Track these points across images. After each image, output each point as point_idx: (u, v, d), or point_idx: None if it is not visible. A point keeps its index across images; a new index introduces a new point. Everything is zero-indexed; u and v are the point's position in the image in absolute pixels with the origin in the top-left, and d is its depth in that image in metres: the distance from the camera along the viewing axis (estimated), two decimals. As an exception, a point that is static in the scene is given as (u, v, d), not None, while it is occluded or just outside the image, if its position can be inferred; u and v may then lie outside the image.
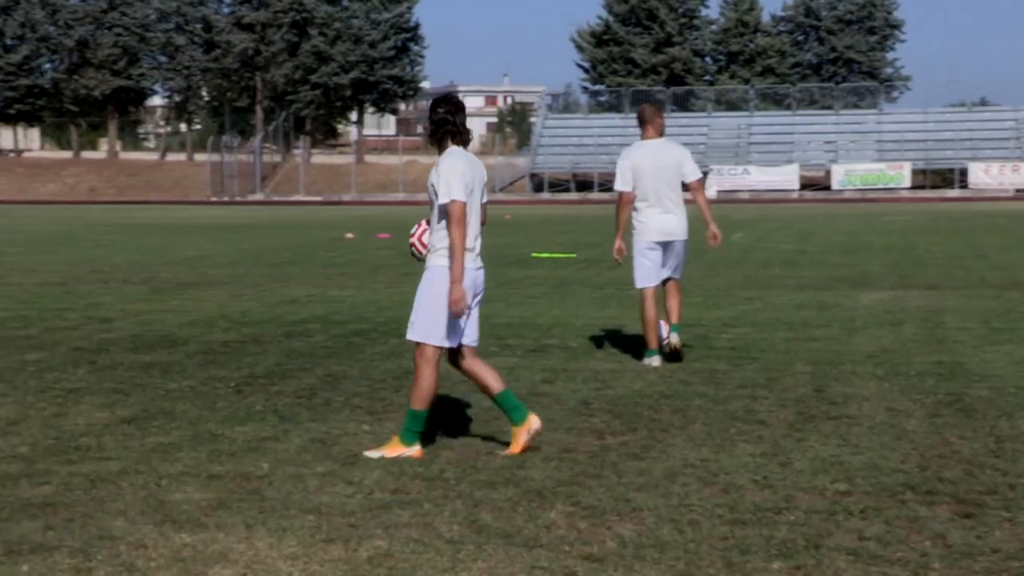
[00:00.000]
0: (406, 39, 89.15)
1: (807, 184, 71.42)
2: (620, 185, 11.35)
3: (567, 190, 74.12)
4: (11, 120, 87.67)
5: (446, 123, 7.64)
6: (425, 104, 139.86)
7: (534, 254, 25.54)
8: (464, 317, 7.62)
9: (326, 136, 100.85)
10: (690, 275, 20.02)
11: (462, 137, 7.69)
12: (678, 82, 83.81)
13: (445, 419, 8.68)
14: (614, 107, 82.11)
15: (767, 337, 12.85)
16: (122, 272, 21.56)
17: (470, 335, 7.75)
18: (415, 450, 7.56)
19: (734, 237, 29.73)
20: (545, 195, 73.44)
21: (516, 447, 7.66)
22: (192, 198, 76.62)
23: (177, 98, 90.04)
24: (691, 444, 7.89)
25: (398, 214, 52.65)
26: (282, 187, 79.73)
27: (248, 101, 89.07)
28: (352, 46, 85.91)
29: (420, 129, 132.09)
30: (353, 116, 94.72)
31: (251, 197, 76.66)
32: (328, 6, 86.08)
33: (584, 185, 73.76)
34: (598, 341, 12.66)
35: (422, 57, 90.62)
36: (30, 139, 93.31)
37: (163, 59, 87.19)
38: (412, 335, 7.69)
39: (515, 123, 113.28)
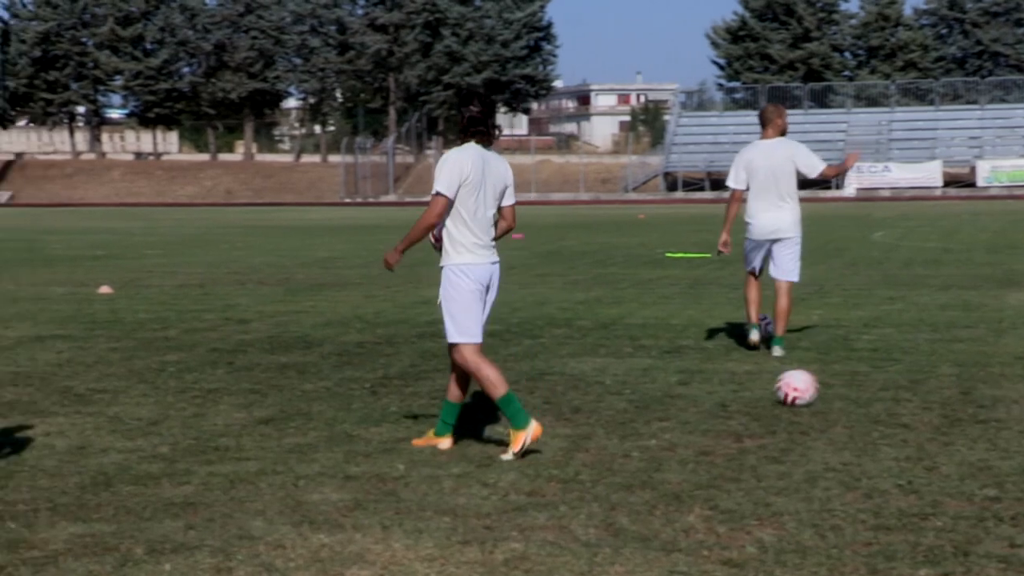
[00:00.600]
0: (538, 38, 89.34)
1: (951, 181, 69.97)
2: (732, 182, 12.05)
3: (701, 189, 73.59)
4: (150, 123, 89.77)
5: (477, 122, 7.88)
6: (558, 103, 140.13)
7: (668, 254, 25.40)
8: (481, 311, 7.81)
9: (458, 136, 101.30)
10: (828, 274, 19.75)
11: (488, 137, 7.91)
12: (816, 78, 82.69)
13: (577, 422, 8.67)
14: (749, 104, 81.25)
15: (910, 338, 12.61)
16: (258, 273, 21.94)
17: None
18: (533, 428, 7.58)
19: (874, 236, 29.23)
20: (679, 194, 73.04)
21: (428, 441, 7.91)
22: (326, 199, 77.70)
23: (311, 100, 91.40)
24: (832, 448, 7.77)
25: (530, 214, 52.69)
26: (415, 188, 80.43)
27: (381, 102, 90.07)
28: (484, 46, 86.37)
29: (552, 128, 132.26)
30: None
31: (384, 198, 77.50)
32: (461, 6, 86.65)
33: (719, 184, 73.12)
34: (734, 342, 12.54)
35: (554, 56, 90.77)
36: (168, 142, 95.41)
37: (298, 61, 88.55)
38: (450, 339, 7.85)
39: (648, 121, 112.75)
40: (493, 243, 7.92)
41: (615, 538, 5.94)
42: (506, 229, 8.14)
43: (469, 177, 7.75)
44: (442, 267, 7.89)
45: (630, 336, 13.06)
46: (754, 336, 11.87)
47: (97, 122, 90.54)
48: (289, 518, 6.29)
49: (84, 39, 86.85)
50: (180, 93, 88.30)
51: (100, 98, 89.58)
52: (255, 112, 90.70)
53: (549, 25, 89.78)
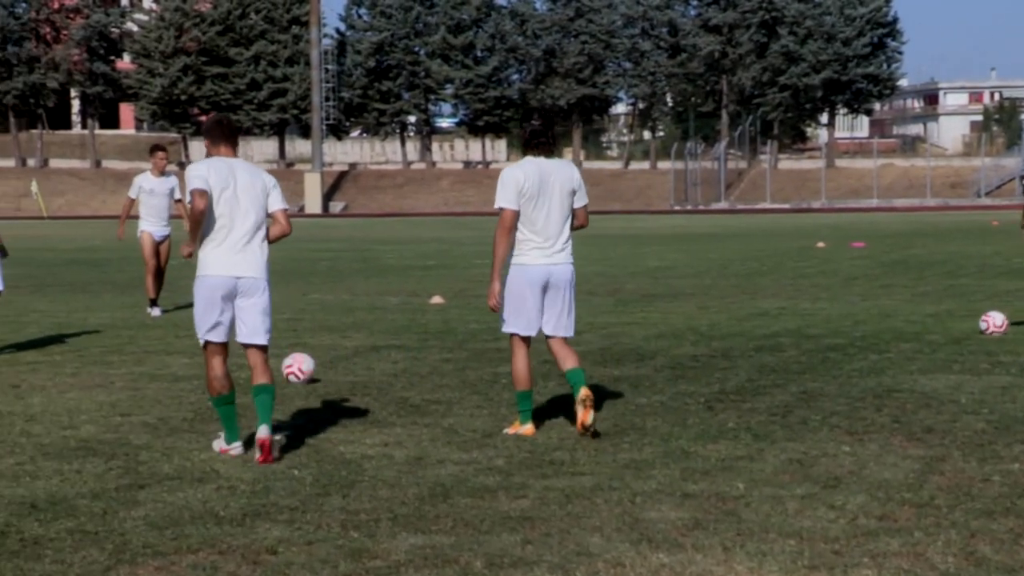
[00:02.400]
0: (882, 35, 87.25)
1: None
2: None
3: (1063, 193, 70.19)
4: (479, 132, 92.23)
5: (537, 135, 9.09)
6: (902, 103, 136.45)
7: (1027, 264, 24.33)
8: (535, 310, 9.02)
9: (794, 140, 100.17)
10: None
11: (548, 148, 9.11)
12: None
13: (930, 443, 8.40)
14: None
15: None
16: (588, 283, 22.17)
17: (550, 327, 9.15)
18: (528, 428, 9.00)
19: None
20: (1037, 199, 69.88)
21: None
22: (655, 207, 78.00)
23: (641, 105, 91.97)
24: None
25: (872, 221, 51.51)
26: (747, 194, 79.83)
27: (713, 106, 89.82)
28: (824, 44, 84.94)
29: (896, 130, 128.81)
30: (823, 118, 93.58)
31: (715, 205, 77.20)
32: (799, 3, 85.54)
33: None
34: (1106, 360, 11.90)
35: (900, 53, 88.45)
36: (497, 151, 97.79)
37: (628, 65, 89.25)
38: (503, 328, 9.24)
39: (1003, 121, 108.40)
40: (560, 247, 9.03)
41: (977, 568, 5.73)
42: (578, 227, 9.21)
43: (525, 188, 8.88)
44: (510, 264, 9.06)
45: (986, 352, 12.59)
46: None
47: (428, 131, 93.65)
48: (627, 536, 6.34)
49: (416, 48, 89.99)
50: (509, 100, 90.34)
51: (431, 107, 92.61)
52: (583, 118, 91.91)
53: (895, 21, 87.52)
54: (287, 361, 11.46)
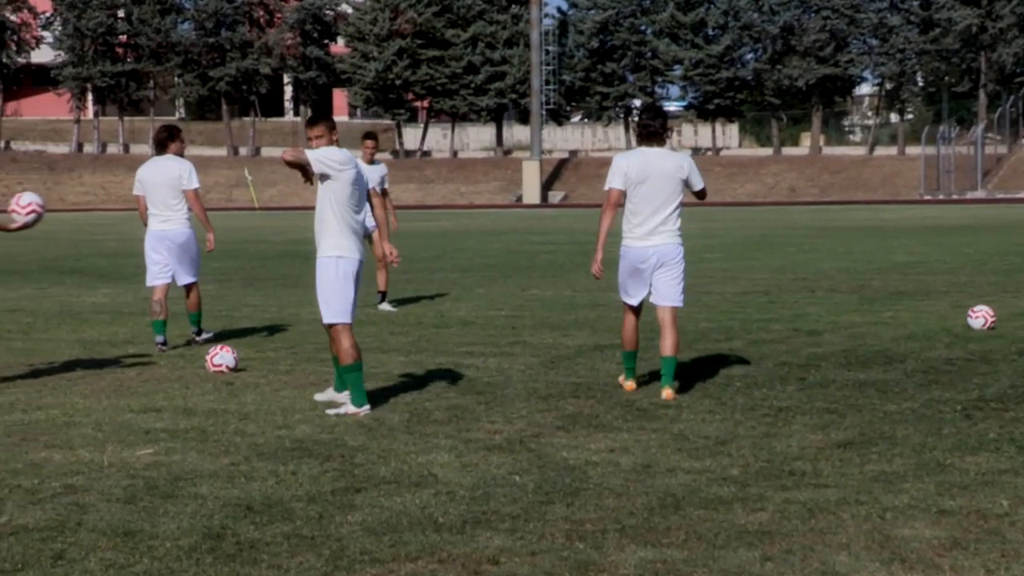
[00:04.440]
0: None
1: None
2: None
3: None
4: (709, 116, 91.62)
5: (648, 127, 10.89)
6: None
7: None
8: (639, 283, 11.02)
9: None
10: None
11: (657, 139, 10.90)
12: None
13: None
14: None
15: None
16: (829, 280, 21.88)
17: (658, 297, 11.06)
18: (629, 383, 11.14)
19: None
20: None
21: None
22: (902, 197, 76.41)
23: (888, 85, 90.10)
24: None
25: None
26: (1007, 182, 77.55)
27: (969, 85, 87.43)
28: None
29: None
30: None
31: (970, 194, 75.21)
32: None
33: None
34: None
35: None
36: (728, 136, 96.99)
37: (874, 42, 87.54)
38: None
39: None
40: (664, 228, 10.87)
41: None
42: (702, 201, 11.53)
43: (630, 173, 10.76)
44: None
45: None
46: None
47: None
48: (877, 554, 6.23)
49: (643, 27, 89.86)
50: (742, 82, 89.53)
51: (657, 90, 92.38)
52: (824, 101, 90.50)
53: None
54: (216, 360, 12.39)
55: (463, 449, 8.74)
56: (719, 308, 17.68)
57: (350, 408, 10.18)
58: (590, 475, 7.98)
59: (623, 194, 10.84)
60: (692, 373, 11.98)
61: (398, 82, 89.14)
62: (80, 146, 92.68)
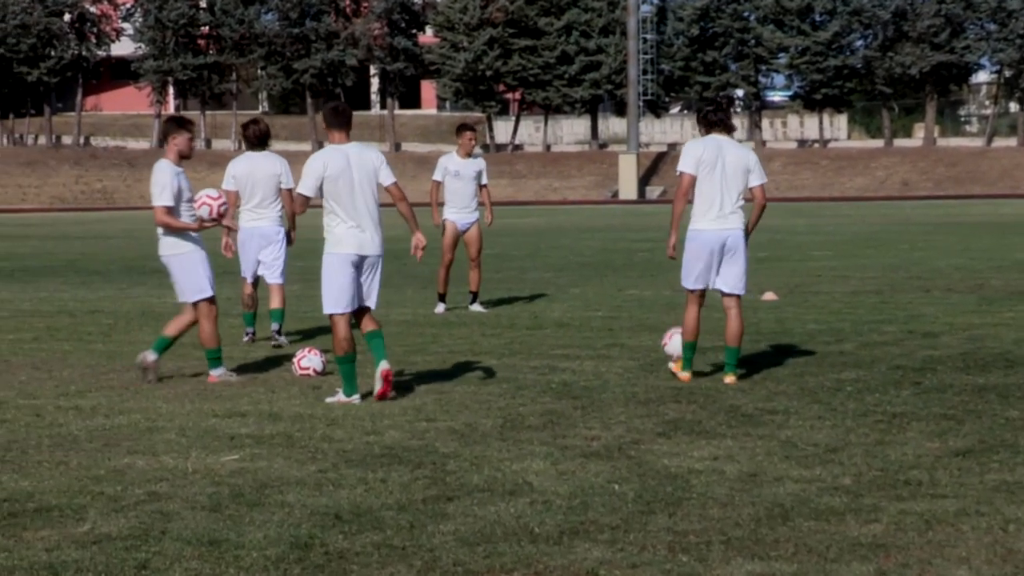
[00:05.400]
0: None
1: None
2: None
3: None
4: (816, 106, 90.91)
5: (714, 115, 11.70)
6: None
7: None
8: (701, 267, 11.67)
9: None
10: None
11: (726, 128, 11.76)
12: None
13: None
14: None
15: None
16: (945, 278, 21.66)
17: (724, 285, 11.78)
18: (684, 374, 11.78)
19: None
20: None
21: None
22: (1022, 191, 75.38)
23: (1007, 72, 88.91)
24: None
25: None
26: None
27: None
28: None
29: None
30: None
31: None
32: None
33: None
34: None
35: None
36: (836, 127, 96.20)
37: (992, 27, 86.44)
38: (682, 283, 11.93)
39: None
40: (733, 214, 11.59)
41: None
42: (760, 207, 11.80)
43: (703, 158, 11.54)
44: None
45: None
46: None
47: (757, 106, 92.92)
48: (999, 569, 6.17)
49: (746, 13, 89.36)
50: (852, 70, 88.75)
51: (761, 79, 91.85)
52: (938, 90, 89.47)
53: None
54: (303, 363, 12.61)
55: (559, 456, 8.74)
56: (828, 308, 17.56)
57: (341, 397, 11.04)
58: (693, 484, 7.95)
59: (695, 179, 11.61)
60: (800, 377, 11.90)
61: (489, 73, 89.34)
62: (161, 142, 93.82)
